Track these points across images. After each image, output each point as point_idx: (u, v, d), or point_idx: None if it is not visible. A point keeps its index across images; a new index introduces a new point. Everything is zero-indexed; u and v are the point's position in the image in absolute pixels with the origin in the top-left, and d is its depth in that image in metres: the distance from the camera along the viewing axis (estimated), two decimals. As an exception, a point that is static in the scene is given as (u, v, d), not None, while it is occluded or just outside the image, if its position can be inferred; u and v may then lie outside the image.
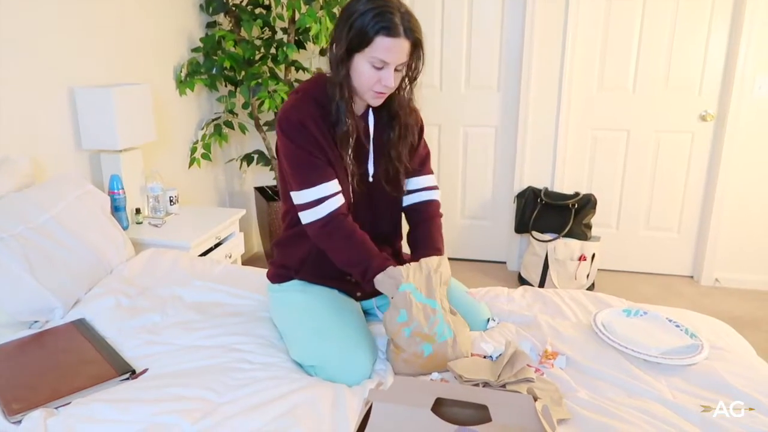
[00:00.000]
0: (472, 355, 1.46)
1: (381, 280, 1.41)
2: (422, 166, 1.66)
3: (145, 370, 1.40)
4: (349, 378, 1.38)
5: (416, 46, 1.40)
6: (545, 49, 3.12)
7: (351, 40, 1.35)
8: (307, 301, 1.54)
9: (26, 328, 1.63)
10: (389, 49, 1.34)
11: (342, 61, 1.39)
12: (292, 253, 1.59)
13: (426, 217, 1.64)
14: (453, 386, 1.11)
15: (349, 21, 1.34)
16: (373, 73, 1.37)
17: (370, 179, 1.55)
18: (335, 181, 1.46)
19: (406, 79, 1.48)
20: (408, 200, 1.66)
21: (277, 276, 1.62)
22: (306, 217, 1.46)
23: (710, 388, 1.31)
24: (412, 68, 1.45)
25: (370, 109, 1.53)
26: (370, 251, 1.46)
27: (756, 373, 1.36)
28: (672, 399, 1.27)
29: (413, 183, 1.65)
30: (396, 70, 1.39)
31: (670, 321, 1.56)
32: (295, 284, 1.60)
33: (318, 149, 1.43)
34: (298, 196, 1.46)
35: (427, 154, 1.68)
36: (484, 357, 1.45)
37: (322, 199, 1.44)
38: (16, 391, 1.29)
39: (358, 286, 1.62)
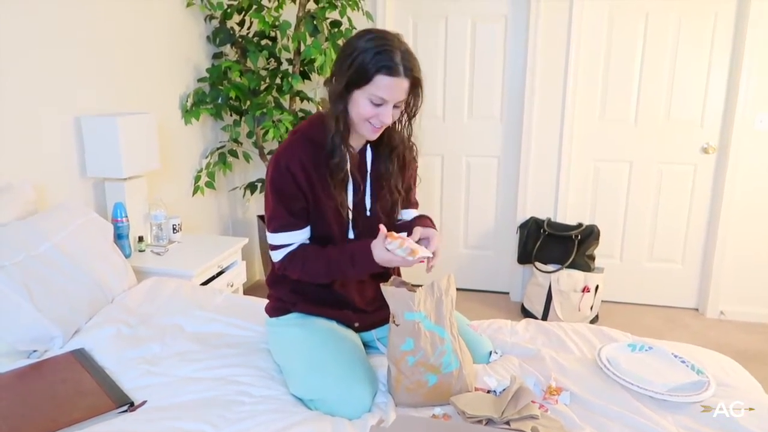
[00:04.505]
0: (475, 389, 1.44)
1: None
2: (410, 200, 1.70)
3: (143, 402, 1.38)
4: (349, 411, 1.36)
5: (415, 85, 1.42)
6: (547, 81, 3.15)
7: (351, 76, 1.37)
8: (305, 335, 1.53)
9: (25, 358, 1.61)
10: (389, 87, 1.36)
11: (341, 95, 1.41)
12: (284, 287, 1.60)
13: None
14: (455, 424, 1.09)
15: (351, 57, 1.37)
16: (371, 108, 1.39)
17: (368, 213, 1.55)
18: (302, 231, 1.51)
19: (405, 115, 1.50)
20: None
21: (275, 310, 1.62)
22: (273, 256, 1.53)
23: (717, 426, 1.29)
24: (410, 105, 1.47)
25: (368, 145, 1.54)
26: (344, 246, 1.48)
27: (764, 411, 1.33)
28: (679, 437, 1.25)
29: (405, 214, 1.68)
30: (395, 106, 1.41)
31: (676, 356, 1.54)
32: (292, 317, 1.59)
33: (296, 197, 1.47)
34: (269, 237, 1.53)
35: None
36: (488, 392, 1.43)
37: (285, 246, 1.51)
38: (13, 423, 1.27)
39: (356, 316, 1.61)
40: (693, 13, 2.98)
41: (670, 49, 3.05)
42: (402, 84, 1.38)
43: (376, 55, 1.34)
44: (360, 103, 1.39)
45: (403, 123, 1.52)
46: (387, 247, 1.36)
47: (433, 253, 1.41)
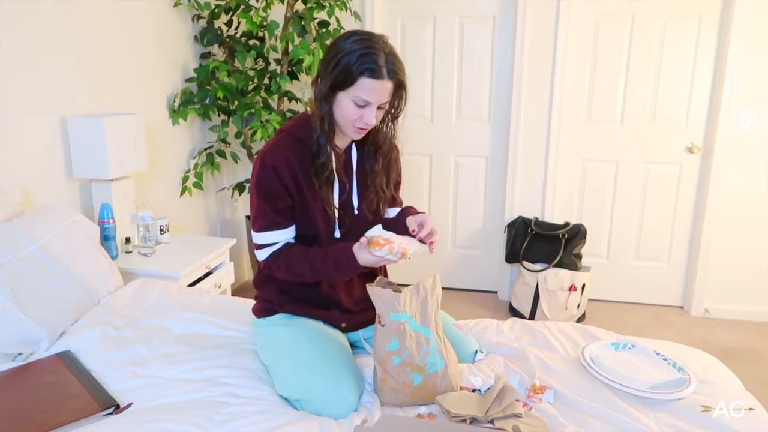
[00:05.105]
0: (460, 388, 1.45)
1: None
2: (395, 198, 1.71)
3: (129, 405, 1.38)
4: (335, 411, 1.37)
5: (399, 87, 1.43)
6: (535, 81, 3.17)
7: (336, 77, 1.38)
8: (291, 335, 1.54)
9: (10, 360, 1.61)
10: (372, 89, 1.37)
11: (326, 96, 1.42)
12: (272, 288, 1.61)
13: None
14: (439, 423, 1.11)
15: (335, 58, 1.38)
16: (356, 110, 1.40)
17: (356, 212, 1.56)
18: (287, 230, 1.51)
19: (389, 116, 1.51)
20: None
21: (262, 310, 1.63)
22: (258, 255, 1.54)
23: (697, 422, 1.31)
24: (394, 106, 1.48)
25: (353, 145, 1.55)
26: (326, 248, 1.48)
27: (748, 408, 1.36)
28: (660, 435, 1.27)
29: (390, 212, 1.69)
30: (379, 108, 1.42)
31: (658, 354, 1.56)
32: (279, 318, 1.60)
33: (282, 196, 1.47)
34: (254, 236, 1.53)
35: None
36: (473, 391, 1.44)
37: (269, 245, 1.51)
38: (-3, 426, 1.27)
39: (343, 316, 1.62)
40: (678, 15, 3.01)
41: (655, 50, 3.08)
42: (385, 86, 1.38)
43: (360, 57, 1.35)
44: (344, 105, 1.40)
45: (387, 123, 1.53)
46: (376, 254, 1.36)
47: (431, 232, 1.44)
